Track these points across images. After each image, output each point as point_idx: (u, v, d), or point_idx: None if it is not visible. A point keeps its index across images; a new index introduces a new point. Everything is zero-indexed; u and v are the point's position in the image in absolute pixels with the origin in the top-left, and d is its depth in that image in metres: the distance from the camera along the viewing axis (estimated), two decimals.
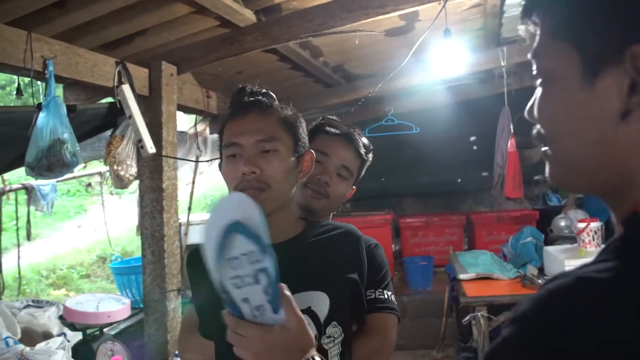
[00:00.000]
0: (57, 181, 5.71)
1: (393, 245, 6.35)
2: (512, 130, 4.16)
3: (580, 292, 0.48)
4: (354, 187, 1.53)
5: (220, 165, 1.23)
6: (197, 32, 2.53)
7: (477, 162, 6.35)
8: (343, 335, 1.14)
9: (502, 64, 3.90)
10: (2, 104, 8.70)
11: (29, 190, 5.13)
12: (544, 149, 0.62)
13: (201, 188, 7.55)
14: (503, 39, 3.82)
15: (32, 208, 5.17)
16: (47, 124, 1.89)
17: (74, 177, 6.08)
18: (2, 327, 1.96)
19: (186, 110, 3.27)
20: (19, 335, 2.20)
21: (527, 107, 0.63)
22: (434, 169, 7.02)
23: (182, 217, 5.41)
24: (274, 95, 1.21)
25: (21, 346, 1.88)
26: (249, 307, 0.84)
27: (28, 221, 5.03)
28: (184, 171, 5.39)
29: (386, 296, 1.33)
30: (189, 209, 5.19)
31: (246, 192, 1.09)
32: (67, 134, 1.89)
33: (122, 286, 4.48)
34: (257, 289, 0.83)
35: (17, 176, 6.21)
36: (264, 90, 1.20)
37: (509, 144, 4.12)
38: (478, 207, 7.69)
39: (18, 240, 4.94)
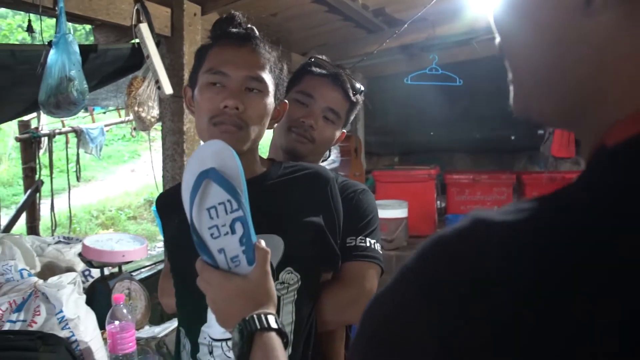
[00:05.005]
0: (106, 125, 5.88)
1: (438, 202, 6.17)
2: None
3: (464, 237, 0.37)
4: (344, 130, 1.43)
5: (188, 91, 1.17)
6: None
7: None
8: (300, 283, 1.07)
9: None
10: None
11: (78, 133, 5.31)
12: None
13: None
14: None
15: (81, 151, 5.36)
16: (56, 61, 1.87)
17: (123, 122, 6.23)
18: (20, 260, 2.03)
19: None
20: (38, 269, 2.28)
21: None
22: (487, 125, 6.70)
23: None
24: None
25: (34, 278, 1.94)
26: (224, 258, 0.82)
27: (77, 163, 5.23)
28: None
29: (368, 244, 1.23)
30: None
31: (224, 127, 1.04)
32: (74, 72, 1.87)
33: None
34: (233, 238, 0.81)
35: (75, 119, 6.42)
36: (253, 27, 1.13)
37: None
38: (533, 166, 7.32)
39: (69, 181, 5.15)
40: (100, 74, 2.51)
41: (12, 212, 5.15)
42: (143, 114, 2.49)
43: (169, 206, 1.21)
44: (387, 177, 5.72)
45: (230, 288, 0.79)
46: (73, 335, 1.81)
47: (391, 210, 3.88)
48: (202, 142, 1.12)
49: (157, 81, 2.30)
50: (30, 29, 1.90)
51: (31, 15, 1.92)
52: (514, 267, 0.34)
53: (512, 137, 6.72)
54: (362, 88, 1.45)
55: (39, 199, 4.88)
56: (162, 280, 1.30)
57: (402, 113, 6.07)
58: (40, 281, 1.93)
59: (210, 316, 1.03)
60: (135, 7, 2.28)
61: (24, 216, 4.91)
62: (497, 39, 0.48)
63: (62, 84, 1.83)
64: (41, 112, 2.03)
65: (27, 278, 1.94)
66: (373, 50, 3.69)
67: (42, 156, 4.98)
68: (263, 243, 0.83)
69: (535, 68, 0.44)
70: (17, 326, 1.82)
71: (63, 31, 1.91)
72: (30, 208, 4.90)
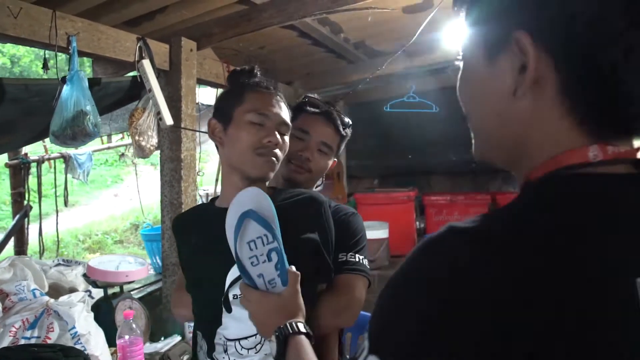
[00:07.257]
0: (94, 151, 5.98)
1: (417, 223, 6.39)
2: None
3: (443, 240, 0.55)
4: (335, 159, 1.64)
5: (214, 123, 1.35)
6: (215, 9, 2.63)
7: None
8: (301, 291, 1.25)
9: None
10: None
11: (66, 159, 5.40)
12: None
13: None
14: None
15: (69, 176, 5.45)
16: (71, 96, 2.04)
17: (109, 148, 6.33)
18: (31, 280, 2.16)
19: (207, 84, 3.39)
20: (47, 289, 2.40)
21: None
22: (462, 148, 6.95)
23: (210, 188, 5.60)
24: None
25: (46, 298, 2.07)
26: (263, 282, 1.02)
27: (65, 188, 5.31)
28: (212, 144, 5.57)
29: (357, 259, 1.41)
30: (217, 180, 5.38)
31: (266, 158, 1.25)
32: (89, 106, 2.04)
33: (151, 252, 4.71)
34: (269, 265, 1.01)
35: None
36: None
37: None
38: (507, 187, 7.63)
39: (57, 206, 5.23)
40: (102, 104, 2.68)
41: None
42: (143, 143, 2.66)
43: (184, 227, 1.39)
44: (368, 199, 5.94)
45: (267, 304, 1.01)
46: (85, 349, 1.95)
47: (373, 231, 4.06)
48: (239, 166, 1.29)
49: (159, 112, 2.48)
50: (45, 66, 2.08)
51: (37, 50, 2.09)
52: (476, 257, 0.52)
53: None
54: (350, 122, 1.66)
55: (28, 224, 4.95)
56: (175, 292, 1.47)
57: (381, 137, 6.31)
58: (52, 300, 2.07)
59: (225, 319, 1.21)
60: (138, 45, 2.46)
61: (11, 241, 4.97)
62: (464, 109, 0.69)
63: (78, 117, 2.00)
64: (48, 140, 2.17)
65: (39, 297, 2.07)
66: (366, 77, 3.97)
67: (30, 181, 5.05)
68: (293, 268, 1.04)
69: (487, 132, 0.65)
70: (32, 342, 1.95)
71: (75, 68, 2.09)
72: (18, 233, 4.97)
